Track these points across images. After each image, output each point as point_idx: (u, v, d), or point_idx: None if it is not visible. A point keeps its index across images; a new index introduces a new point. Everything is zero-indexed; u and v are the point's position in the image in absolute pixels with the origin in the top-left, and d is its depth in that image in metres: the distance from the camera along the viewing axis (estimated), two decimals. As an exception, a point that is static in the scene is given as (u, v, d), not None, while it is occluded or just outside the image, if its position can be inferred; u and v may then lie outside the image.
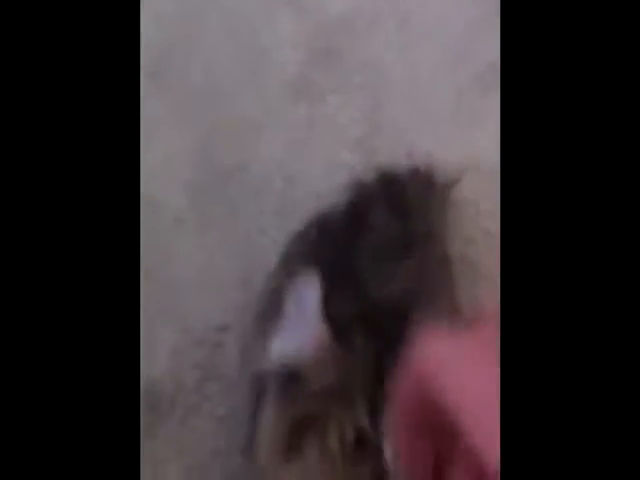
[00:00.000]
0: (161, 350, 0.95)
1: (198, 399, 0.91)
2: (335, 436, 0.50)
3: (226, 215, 1.07)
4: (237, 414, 0.89)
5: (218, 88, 1.14)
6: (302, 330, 0.52)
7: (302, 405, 0.53)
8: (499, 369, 0.37)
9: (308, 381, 0.53)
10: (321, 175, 1.06)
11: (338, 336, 0.53)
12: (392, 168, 0.77)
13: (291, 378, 0.54)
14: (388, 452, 0.45)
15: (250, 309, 0.81)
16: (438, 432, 0.37)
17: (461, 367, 0.37)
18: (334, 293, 0.54)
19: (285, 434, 0.53)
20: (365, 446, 0.49)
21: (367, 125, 1.08)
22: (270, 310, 0.63)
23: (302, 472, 0.54)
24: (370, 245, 0.54)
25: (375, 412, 0.48)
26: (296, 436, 0.52)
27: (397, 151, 0.96)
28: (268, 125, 1.12)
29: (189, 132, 1.13)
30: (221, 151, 1.13)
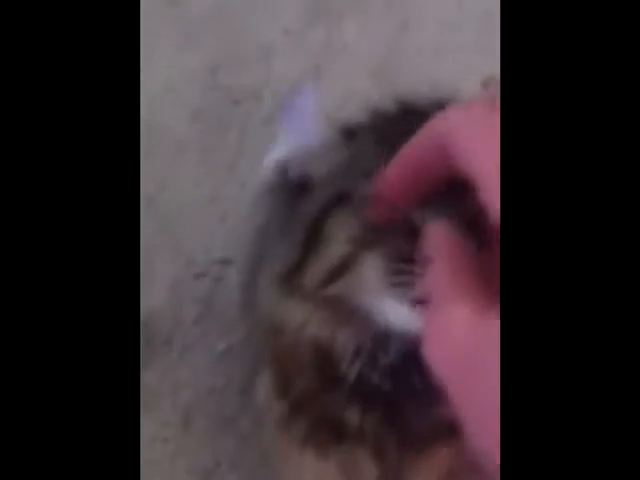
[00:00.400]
0: (160, 282, 0.92)
1: (197, 334, 0.88)
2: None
3: (233, 144, 1.03)
4: (236, 352, 0.87)
5: (229, 7, 1.09)
6: (304, 132, 0.50)
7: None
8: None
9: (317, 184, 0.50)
10: (337, 104, 1.01)
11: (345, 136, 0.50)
12: (413, 98, 0.72)
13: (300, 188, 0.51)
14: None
15: (254, 242, 0.77)
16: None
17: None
18: None
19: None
20: None
21: (388, 51, 1.02)
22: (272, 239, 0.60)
23: None
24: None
25: None
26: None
27: (419, 80, 0.91)
28: (281, 49, 1.06)
29: (196, 54, 1.08)
30: (230, 76, 1.08)
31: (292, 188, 0.52)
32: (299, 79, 1.07)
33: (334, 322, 0.51)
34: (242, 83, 1.08)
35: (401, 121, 0.68)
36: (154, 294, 0.91)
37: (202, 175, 1.00)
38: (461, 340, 0.37)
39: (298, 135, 0.50)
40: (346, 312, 0.50)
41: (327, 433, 0.54)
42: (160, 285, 0.92)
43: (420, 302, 0.44)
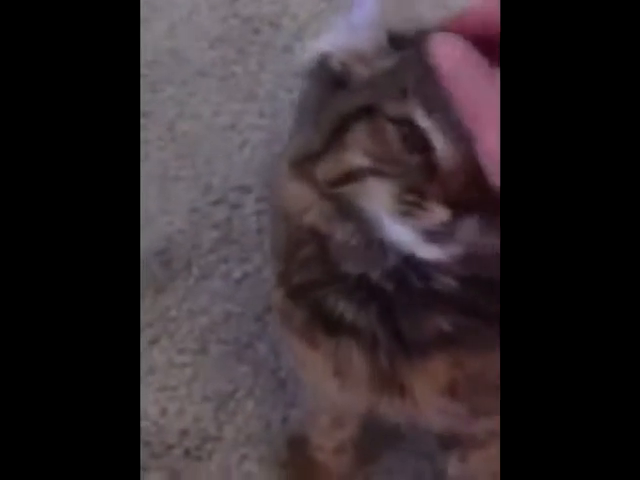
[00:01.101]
0: (179, 208, 0.92)
1: (214, 261, 0.88)
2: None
3: (252, 72, 1.01)
4: (253, 279, 0.87)
5: None
6: (359, 30, 0.50)
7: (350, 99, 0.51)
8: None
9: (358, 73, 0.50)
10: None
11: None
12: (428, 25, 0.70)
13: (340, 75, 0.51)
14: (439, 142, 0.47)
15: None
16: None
17: None
18: None
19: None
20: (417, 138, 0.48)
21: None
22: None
23: None
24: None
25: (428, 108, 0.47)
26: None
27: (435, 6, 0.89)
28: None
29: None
30: (249, 4, 1.07)
31: (331, 80, 0.51)
32: (316, 9, 1.05)
33: (335, 216, 0.51)
34: (261, 12, 1.06)
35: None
36: (173, 220, 0.91)
37: (221, 103, 0.99)
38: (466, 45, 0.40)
39: (352, 32, 0.51)
40: (349, 210, 0.50)
41: (321, 325, 0.54)
42: (179, 212, 0.91)
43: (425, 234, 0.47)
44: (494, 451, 0.63)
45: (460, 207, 0.46)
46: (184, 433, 0.80)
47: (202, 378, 0.83)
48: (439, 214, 0.46)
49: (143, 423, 0.79)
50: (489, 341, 0.50)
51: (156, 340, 0.84)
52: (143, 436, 0.79)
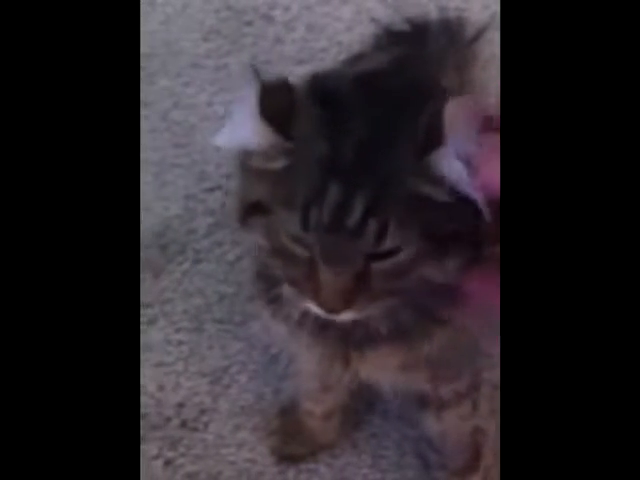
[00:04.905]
0: (174, 195, 0.96)
1: (208, 245, 0.92)
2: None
3: (245, 63, 1.05)
4: (245, 261, 0.90)
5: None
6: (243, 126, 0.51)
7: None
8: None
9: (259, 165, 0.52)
10: (346, 25, 1.03)
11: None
12: (421, 19, 0.74)
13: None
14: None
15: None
16: None
17: None
18: None
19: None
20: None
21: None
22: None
23: None
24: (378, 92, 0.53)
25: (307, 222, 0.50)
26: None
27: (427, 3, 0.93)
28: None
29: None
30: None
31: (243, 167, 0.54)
32: (307, 1, 1.08)
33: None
34: (254, 4, 1.09)
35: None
36: (169, 206, 0.95)
37: (214, 93, 1.03)
38: None
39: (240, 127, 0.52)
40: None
41: None
42: (174, 198, 0.95)
43: None
44: (465, 410, 0.68)
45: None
46: (181, 406, 0.84)
47: (197, 355, 0.87)
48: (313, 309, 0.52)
49: (142, 398, 0.84)
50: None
51: (154, 320, 0.89)
52: (142, 409, 0.83)
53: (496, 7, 0.96)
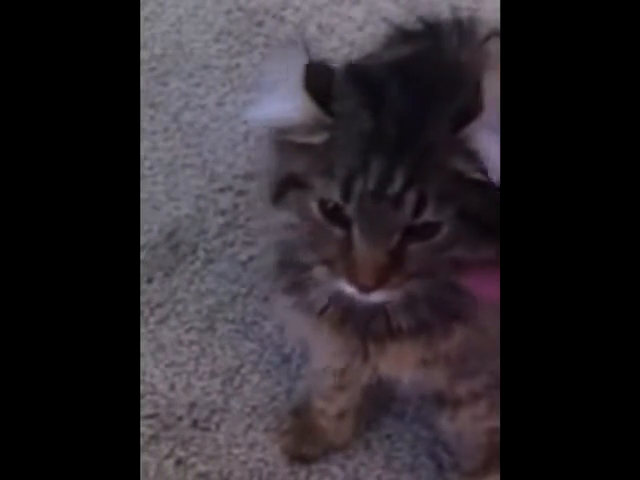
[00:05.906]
0: (186, 195, 0.96)
1: (220, 245, 0.93)
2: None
3: (256, 64, 1.05)
4: (258, 261, 0.90)
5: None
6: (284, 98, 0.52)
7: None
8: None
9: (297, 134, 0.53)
10: (357, 25, 1.03)
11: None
12: (434, 19, 0.74)
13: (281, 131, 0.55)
14: None
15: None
16: None
17: None
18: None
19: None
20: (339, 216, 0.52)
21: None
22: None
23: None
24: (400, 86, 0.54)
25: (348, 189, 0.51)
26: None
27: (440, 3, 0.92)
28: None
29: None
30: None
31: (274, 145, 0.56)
32: (319, 2, 1.09)
33: None
34: (265, 4, 1.10)
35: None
36: (180, 206, 0.95)
37: (225, 94, 1.03)
38: None
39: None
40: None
41: None
42: (186, 198, 0.95)
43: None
44: (480, 410, 0.68)
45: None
46: (192, 405, 0.84)
47: (209, 355, 0.87)
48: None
49: (153, 397, 0.84)
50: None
51: (165, 320, 0.89)
52: (153, 409, 0.83)
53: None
